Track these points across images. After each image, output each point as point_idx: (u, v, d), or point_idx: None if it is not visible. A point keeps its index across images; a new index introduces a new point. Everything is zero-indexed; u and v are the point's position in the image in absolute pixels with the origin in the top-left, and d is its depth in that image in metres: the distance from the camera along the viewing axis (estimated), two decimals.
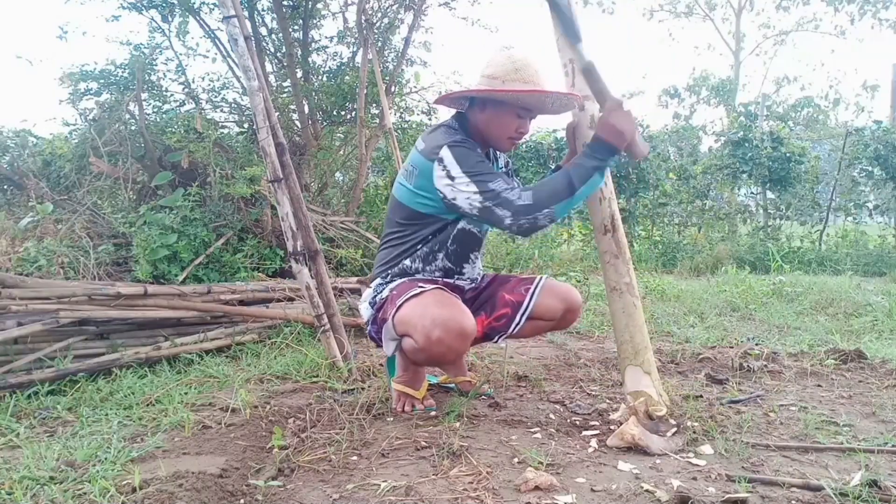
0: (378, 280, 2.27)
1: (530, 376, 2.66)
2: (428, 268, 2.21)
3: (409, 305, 2.04)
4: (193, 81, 5.55)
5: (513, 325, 2.28)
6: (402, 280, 2.19)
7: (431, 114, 6.30)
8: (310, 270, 2.86)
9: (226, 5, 2.74)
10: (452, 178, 2.00)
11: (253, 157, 4.60)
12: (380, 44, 5.61)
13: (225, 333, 3.06)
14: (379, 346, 2.28)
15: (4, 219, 4.66)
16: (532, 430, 2.04)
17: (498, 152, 2.33)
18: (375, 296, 2.24)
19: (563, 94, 2.06)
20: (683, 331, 3.66)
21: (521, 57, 2.07)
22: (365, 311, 2.29)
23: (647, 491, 1.58)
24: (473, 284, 2.35)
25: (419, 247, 2.19)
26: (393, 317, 2.08)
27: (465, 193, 1.98)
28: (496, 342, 2.34)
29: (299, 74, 5.69)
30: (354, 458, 1.81)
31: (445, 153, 2.01)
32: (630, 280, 2.03)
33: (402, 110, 6.36)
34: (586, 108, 2.07)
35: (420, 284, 2.12)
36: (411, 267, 2.21)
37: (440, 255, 2.21)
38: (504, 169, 2.39)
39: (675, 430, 1.90)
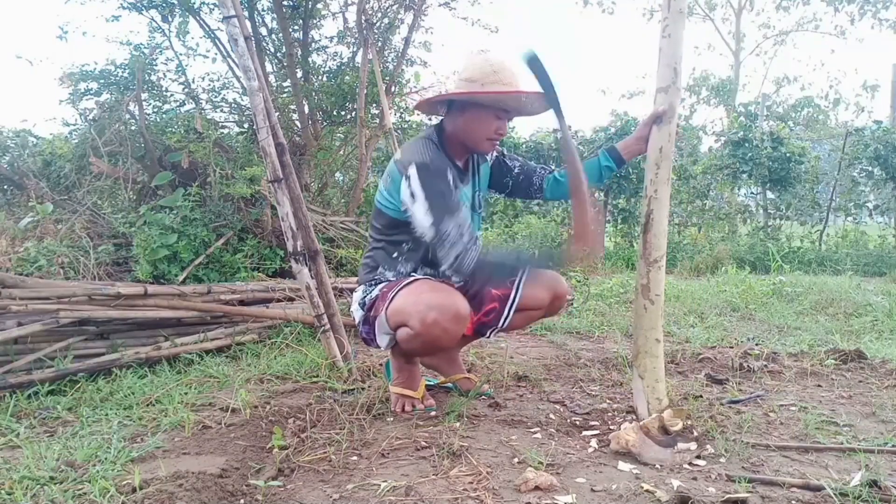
0: (364, 286, 2.29)
1: (530, 376, 2.66)
2: (411, 270, 2.23)
3: (402, 294, 2.08)
4: (193, 81, 5.57)
5: (502, 319, 2.29)
6: (390, 280, 2.22)
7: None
8: (310, 270, 2.86)
9: (226, 5, 2.74)
10: (414, 199, 2.01)
11: (253, 157, 4.60)
12: (380, 44, 5.62)
13: (225, 333, 3.06)
14: (371, 346, 2.32)
15: (4, 219, 4.65)
16: (532, 430, 2.04)
17: (481, 156, 2.33)
18: (365, 297, 2.25)
19: (542, 95, 2.08)
20: (683, 331, 3.66)
21: (498, 60, 2.09)
22: (356, 313, 2.31)
23: (647, 491, 1.58)
24: (461, 282, 2.35)
25: (402, 251, 2.22)
26: (386, 310, 2.11)
27: (420, 219, 2.01)
28: (488, 337, 2.37)
29: (299, 74, 5.69)
30: (354, 458, 1.81)
31: (413, 172, 2.02)
32: (646, 283, 1.97)
33: (402, 110, 6.36)
34: (672, 104, 1.97)
35: (411, 275, 2.16)
36: (395, 270, 2.23)
37: (420, 259, 2.22)
38: (477, 192, 2.34)
39: (692, 444, 1.85)
